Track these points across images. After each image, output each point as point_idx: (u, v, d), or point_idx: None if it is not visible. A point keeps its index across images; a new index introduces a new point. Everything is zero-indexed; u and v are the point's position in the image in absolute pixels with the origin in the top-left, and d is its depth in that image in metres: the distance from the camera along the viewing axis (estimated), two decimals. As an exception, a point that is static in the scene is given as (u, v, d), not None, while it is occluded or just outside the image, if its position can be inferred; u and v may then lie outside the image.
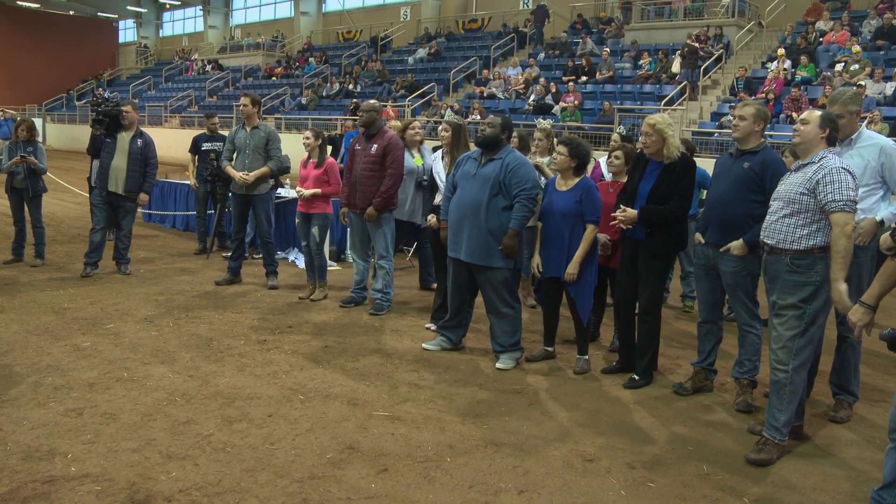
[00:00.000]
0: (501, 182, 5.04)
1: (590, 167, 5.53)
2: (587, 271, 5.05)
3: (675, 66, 17.18)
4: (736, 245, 4.26)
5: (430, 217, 6.14)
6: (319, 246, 6.78)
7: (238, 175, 7.00)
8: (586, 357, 5.16)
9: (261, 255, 8.55)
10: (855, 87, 4.34)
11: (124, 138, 7.43)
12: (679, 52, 17.42)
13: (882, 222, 4.21)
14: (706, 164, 5.72)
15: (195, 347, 5.30)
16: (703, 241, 4.50)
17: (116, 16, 41.64)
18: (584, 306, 5.08)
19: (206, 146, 8.94)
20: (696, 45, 17.10)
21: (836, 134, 3.86)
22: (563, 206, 5.01)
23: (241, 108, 7.14)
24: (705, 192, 5.43)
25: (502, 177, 5.04)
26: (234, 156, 7.20)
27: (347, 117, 17.23)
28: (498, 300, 5.16)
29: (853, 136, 4.29)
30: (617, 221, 4.78)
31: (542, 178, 5.99)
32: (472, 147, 5.60)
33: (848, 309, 3.58)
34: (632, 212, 4.71)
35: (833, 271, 3.61)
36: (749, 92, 14.93)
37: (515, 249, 5.04)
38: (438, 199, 6.13)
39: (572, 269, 4.98)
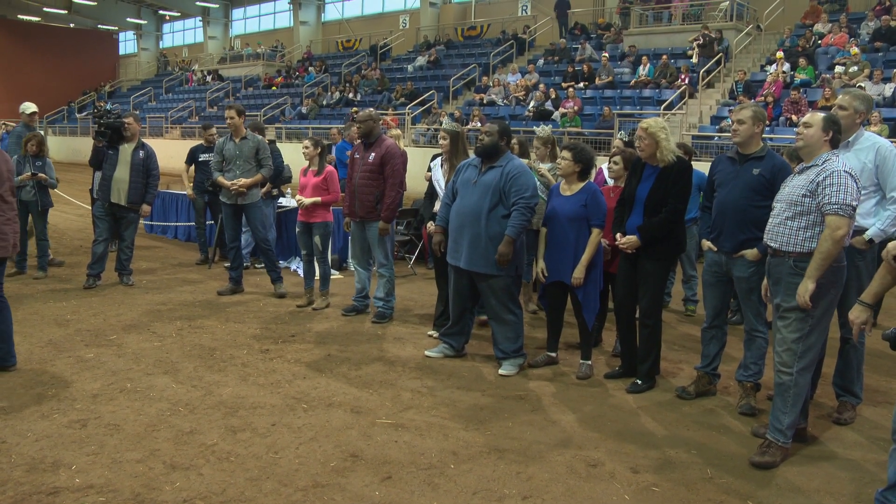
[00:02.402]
0: (502, 190, 5.05)
1: (593, 172, 5.55)
2: (593, 275, 5.06)
3: (695, 58, 17.42)
4: (751, 252, 4.26)
5: (429, 224, 6.15)
6: (323, 254, 6.79)
7: (228, 183, 7.04)
8: (589, 362, 5.16)
9: (262, 265, 8.59)
10: (868, 94, 4.33)
11: (126, 150, 7.47)
12: (696, 41, 17.63)
13: (871, 241, 4.19)
14: (707, 168, 5.73)
15: (198, 357, 5.31)
16: (714, 248, 4.49)
17: (116, 28, 41.79)
18: (589, 310, 5.09)
19: (203, 157, 8.96)
20: (712, 34, 17.42)
21: (839, 136, 3.85)
22: (568, 210, 5.02)
23: (227, 120, 7.16)
24: (702, 195, 5.43)
25: (502, 184, 5.04)
26: (223, 167, 7.22)
27: (345, 126, 17.30)
28: (500, 307, 5.17)
29: (850, 139, 4.27)
30: (622, 248, 4.82)
31: (540, 186, 6.00)
32: (472, 154, 5.61)
33: (807, 306, 3.62)
34: (632, 238, 4.74)
35: (809, 269, 3.64)
36: (748, 95, 14.95)
37: (510, 257, 5.04)
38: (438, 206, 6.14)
39: (578, 273, 4.99)
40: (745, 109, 4.34)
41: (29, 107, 8.40)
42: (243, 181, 7.06)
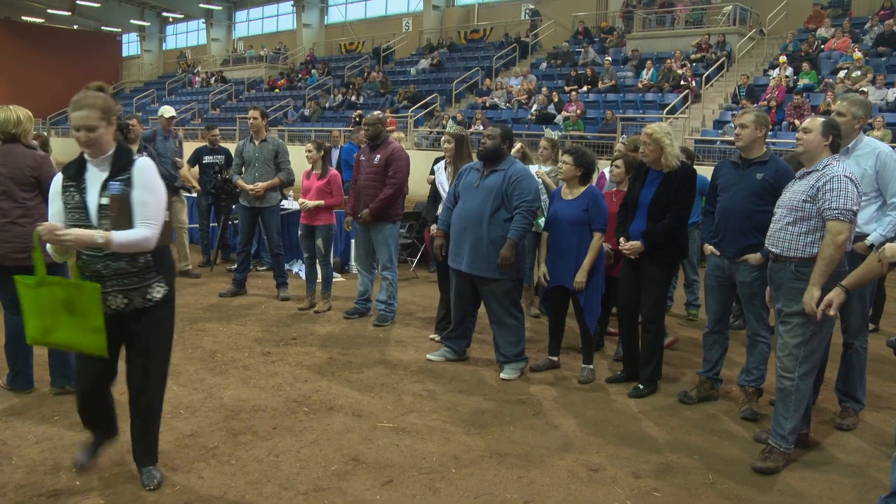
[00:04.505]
0: (504, 193, 5.04)
1: (595, 176, 5.54)
2: (595, 279, 5.06)
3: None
4: (754, 257, 4.26)
5: (431, 227, 6.14)
6: (325, 257, 6.79)
7: (248, 187, 7.05)
8: (591, 366, 5.16)
9: (264, 268, 8.59)
10: (866, 99, 4.34)
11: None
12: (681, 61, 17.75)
13: (872, 246, 4.18)
14: (709, 172, 5.72)
15: (199, 360, 5.31)
16: (717, 252, 4.48)
17: (120, 29, 41.89)
18: (591, 315, 5.08)
19: (207, 159, 8.97)
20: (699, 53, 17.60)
21: (839, 141, 3.84)
22: (569, 214, 5.02)
23: (250, 121, 7.17)
24: (705, 199, 5.43)
25: (505, 188, 5.04)
26: (243, 169, 7.24)
27: (350, 128, 17.40)
28: (501, 311, 5.16)
29: (850, 145, 4.25)
30: (626, 253, 4.81)
31: (542, 187, 6.00)
32: (475, 157, 5.61)
33: (814, 314, 3.62)
34: (636, 244, 4.73)
35: (813, 275, 3.63)
36: (751, 99, 14.95)
37: (512, 261, 5.03)
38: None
39: (580, 277, 4.98)
40: (748, 114, 4.34)
41: (168, 111, 8.29)
42: (261, 185, 7.07)
